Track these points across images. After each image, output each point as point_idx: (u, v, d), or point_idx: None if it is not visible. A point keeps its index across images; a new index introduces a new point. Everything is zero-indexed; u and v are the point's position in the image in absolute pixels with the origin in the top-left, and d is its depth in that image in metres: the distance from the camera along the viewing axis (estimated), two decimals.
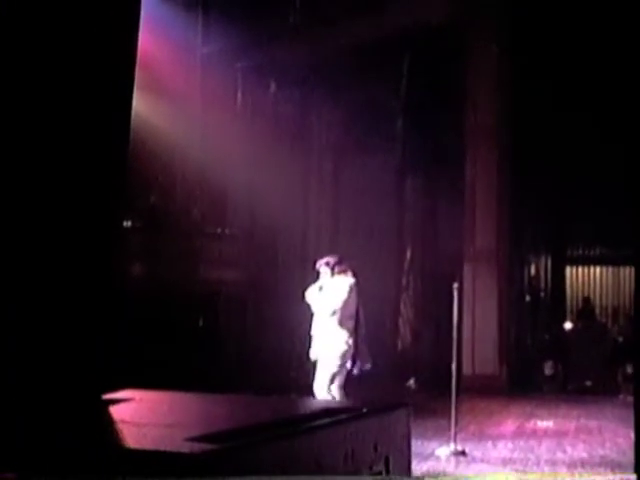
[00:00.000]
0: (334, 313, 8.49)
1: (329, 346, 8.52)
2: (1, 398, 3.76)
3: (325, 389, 8.50)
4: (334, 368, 8.49)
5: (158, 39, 12.63)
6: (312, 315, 8.75)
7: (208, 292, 13.88)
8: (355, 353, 8.55)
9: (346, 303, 8.52)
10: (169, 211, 14.26)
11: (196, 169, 14.26)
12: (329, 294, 8.57)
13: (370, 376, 8.96)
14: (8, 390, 3.81)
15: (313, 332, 8.69)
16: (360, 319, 8.66)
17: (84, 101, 4.09)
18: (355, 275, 8.81)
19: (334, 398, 8.42)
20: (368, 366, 8.74)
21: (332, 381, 8.51)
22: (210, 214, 14.89)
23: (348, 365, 8.56)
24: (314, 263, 8.89)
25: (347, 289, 8.55)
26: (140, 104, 12.18)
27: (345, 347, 8.50)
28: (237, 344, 14.33)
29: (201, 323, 13.96)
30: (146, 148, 12.38)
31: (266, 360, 13.27)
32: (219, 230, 14.98)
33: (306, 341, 8.86)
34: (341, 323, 8.51)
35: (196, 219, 14.54)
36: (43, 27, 3.95)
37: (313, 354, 8.69)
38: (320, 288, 8.61)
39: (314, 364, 8.72)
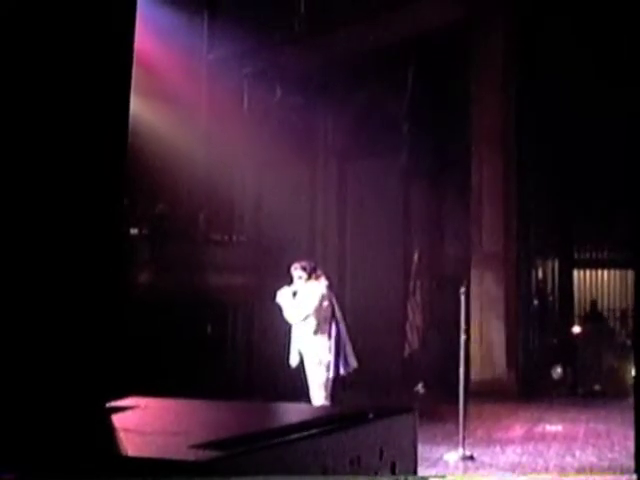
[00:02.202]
0: (306, 318, 8.59)
1: (310, 355, 8.62)
2: (5, 402, 3.77)
3: (322, 398, 8.56)
4: (323, 377, 8.58)
5: (164, 46, 12.67)
6: (286, 320, 8.85)
7: (216, 299, 13.86)
8: (337, 353, 8.62)
9: (319, 308, 8.62)
10: (176, 218, 14.26)
11: (202, 176, 14.27)
12: (301, 300, 8.65)
13: (378, 381, 8.96)
14: (12, 395, 3.82)
15: (292, 339, 8.77)
16: (338, 320, 8.73)
17: (77, 105, 4.10)
18: (329, 279, 8.98)
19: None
20: (354, 365, 8.80)
21: (326, 388, 8.58)
22: (217, 221, 14.89)
23: (332, 368, 8.63)
24: (288, 267, 8.93)
25: (319, 295, 8.66)
26: (146, 111, 12.25)
27: (325, 352, 8.59)
28: (245, 351, 14.32)
29: (209, 330, 13.95)
30: (152, 155, 12.39)
31: (274, 367, 13.25)
32: (226, 237, 14.97)
33: (287, 348, 8.92)
34: (317, 328, 8.61)
35: (203, 226, 14.54)
36: (34, 29, 3.95)
37: (293, 361, 8.76)
38: (294, 293, 8.68)
39: (303, 371, 8.79)
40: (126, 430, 3.64)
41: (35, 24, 3.96)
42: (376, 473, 3.90)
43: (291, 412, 4.91)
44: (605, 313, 16.64)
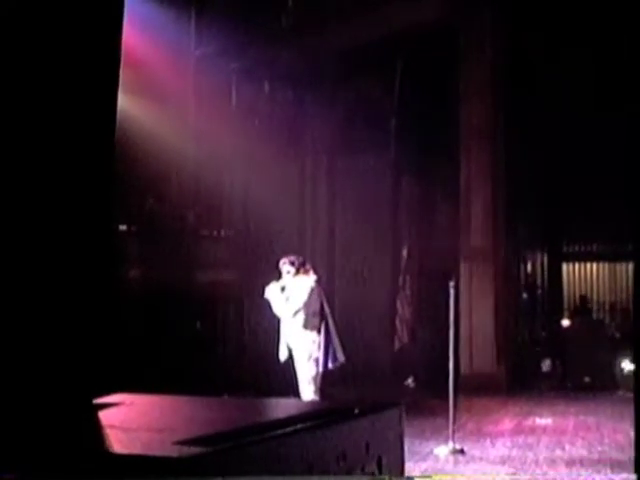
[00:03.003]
0: (296, 314, 8.60)
1: (299, 350, 8.63)
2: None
3: (311, 392, 8.57)
4: (312, 371, 8.59)
5: (152, 42, 12.62)
6: (275, 315, 8.87)
7: (205, 295, 13.85)
8: (327, 348, 8.64)
9: (308, 303, 8.65)
10: (165, 214, 14.23)
11: (191, 172, 14.24)
12: (290, 295, 8.66)
13: (368, 375, 8.98)
14: (3, 393, 3.81)
15: (281, 334, 8.77)
16: (326, 315, 8.74)
17: (65, 101, 4.08)
18: (317, 273, 9.03)
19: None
20: (342, 360, 8.82)
21: (316, 383, 8.59)
22: (206, 217, 14.87)
23: (321, 363, 8.65)
24: (277, 262, 8.94)
25: (308, 289, 8.71)
26: (134, 107, 12.21)
27: (314, 347, 8.60)
28: (235, 346, 14.32)
29: (198, 326, 13.94)
30: (141, 151, 12.35)
31: (264, 362, 13.24)
32: (215, 233, 14.96)
33: (275, 343, 8.92)
34: (306, 322, 8.64)
35: (192, 222, 14.52)
36: (20, 25, 3.93)
37: (282, 355, 8.77)
38: (282, 288, 8.69)
39: (292, 366, 8.80)
40: (111, 427, 3.62)
41: (21, 20, 3.94)
42: (362, 468, 3.90)
43: (276, 408, 4.90)
44: (594, 306, 16.70)
